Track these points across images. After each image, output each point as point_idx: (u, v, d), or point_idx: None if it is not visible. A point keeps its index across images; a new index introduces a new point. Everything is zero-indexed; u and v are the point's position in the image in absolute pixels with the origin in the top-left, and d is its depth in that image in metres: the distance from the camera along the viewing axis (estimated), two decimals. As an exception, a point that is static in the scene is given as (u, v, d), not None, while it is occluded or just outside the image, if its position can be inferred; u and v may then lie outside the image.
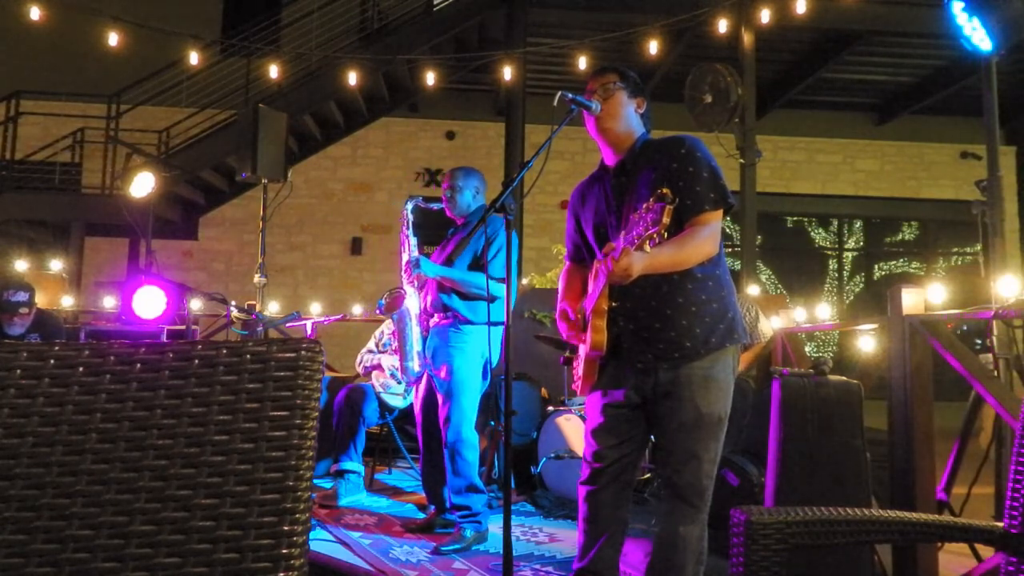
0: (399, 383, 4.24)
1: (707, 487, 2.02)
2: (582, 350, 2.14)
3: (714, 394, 2.02)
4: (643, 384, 2.05)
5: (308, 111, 7.99)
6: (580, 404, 4.07)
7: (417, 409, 3.50)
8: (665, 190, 1.69)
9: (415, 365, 3.46)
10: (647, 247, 1.74)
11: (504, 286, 3.14)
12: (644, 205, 1.75)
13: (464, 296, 3.29)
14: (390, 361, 4.28)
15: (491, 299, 3.16)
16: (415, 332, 3.49)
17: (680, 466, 2.01)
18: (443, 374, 3.27)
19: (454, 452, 3.24)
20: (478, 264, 3.25)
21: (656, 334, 2.02)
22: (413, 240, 3.47)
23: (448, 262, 3.22)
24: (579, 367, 2.16)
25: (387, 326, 4.43)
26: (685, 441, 2.00)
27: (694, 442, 2.00)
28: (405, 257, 3.43)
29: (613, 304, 2.04)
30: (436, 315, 3.37)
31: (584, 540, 2.11)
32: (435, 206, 3.54)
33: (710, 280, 2.06)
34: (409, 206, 3.56)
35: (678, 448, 2.01)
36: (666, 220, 1.69)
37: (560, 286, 2.33)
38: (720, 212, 2.03)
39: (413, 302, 3.49)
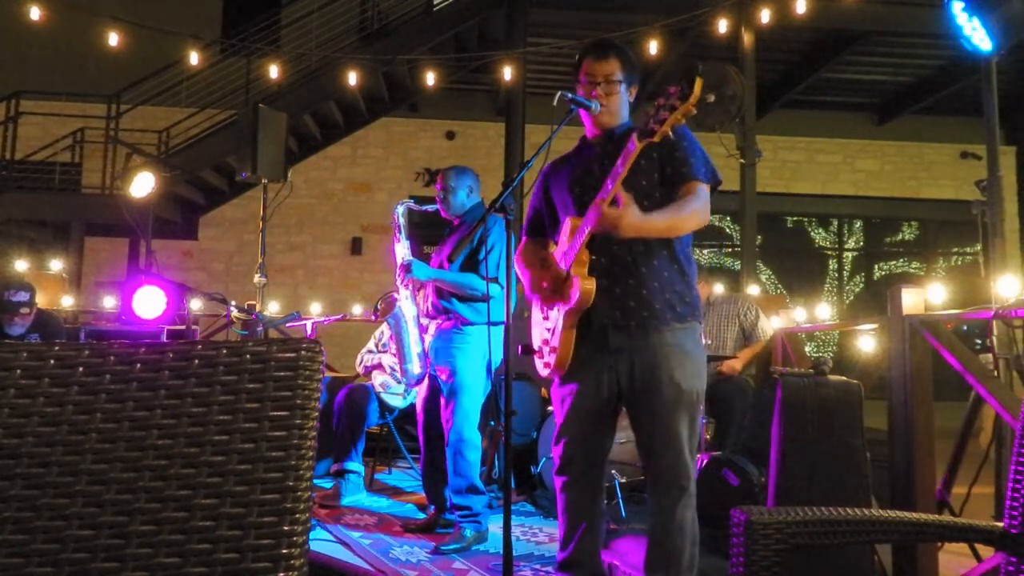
0: (399, 383, 4.24)
1: (691, 466, 2.07)
2: (554, 320, 2.13)
3: (691, 370, 2.07)
4: (618, 366, 2.06)
5: (308, 111, 7.99)
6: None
7: (419, 409, 3.50)
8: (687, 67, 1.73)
9: (415, 367, 3.46)
10: (669, 131, 1.76)
11: (498, 285, 3.17)
12: (666, 89, 1.77)
13: (463, 298, 3.29)
14: (390, 361, 4.28)
15: (485, 298, 3.17)
16: (413, 334, 3.49)
17: (664, 449, 2.04)
18: (445, 376, 3.28)
19: (456, 452, 3.24)
20: (477, 264, 3.26)
21: (627, 290, 2.04)
22: (405, 243, 3.48)
23: (448, 262, 3.22)
24: (550, 343, 2.14)
25: (387, 326, 4.44)
26: (667, 422, 2.03)
27: (675, 422, 2.03)
28: (399, 260, 3.44)
29: (592, 258, 2.06)
30: (439, 318, 3.37)
31: (564, 531, 2.15)
32: (429, 207, 3.54)
33: (682, 255, 2.13)
34: (400, 209, 3.56)
35: (659, 431, 2.04)
36: (697, 92, 1.70)
37: (520, 264, 2.34)
38: (709, 187, 2.10)
39: (407, 304, 3.49)
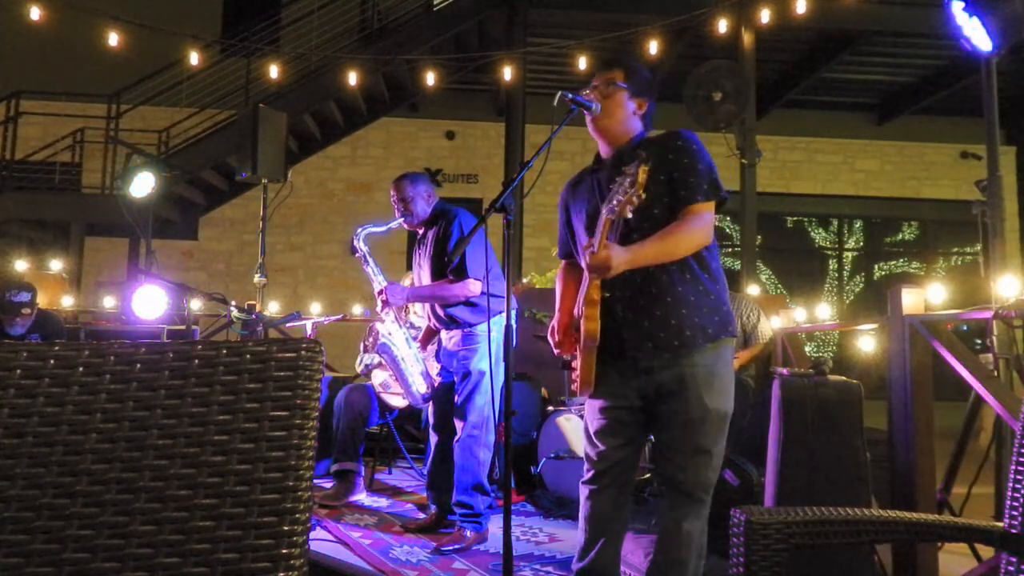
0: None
1: (713, 481, 2.06)
2: (577, 352, 2.15)
3: (718, 389, 2.04)
4: (646, 386, 2.05)
5: (308, 111, 7.98)
6: (580, 404, 4.07)
7: (433, 410, 3.51)
8: (641, 152, 1.78)
9: (421, 388, 3.47)
10: (628, 214, 1.82)
11: (480, 281, 3.18)
12: (624, 170, 1.80)
13: (455, 303, 3.30)
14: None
15: (471, 294, 3.18)
16: (408, 357, 3.51)
17: (687, 462, 2.03)
18: (459, 378, 3.31)
19: (467, 448, 3.24)
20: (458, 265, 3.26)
21: (656, 322, 2.02)
22: (375, 269, 3.50)
23: (459, 270, 3.22)
24: (576, 366, 2.16)
25: (383, 327, 4.44)
26: (694, 437, 2.02)
27: (703, 438, 2.02)
28: (375, 288, 3.45)
29: (606, 295, 2.03)
30: (448, 327, 3.38)
31: (585, 539, 2.13)
32: (392, 224, 3.54)
33: (706, 272, 2.08)
34: (360, 237, 3.55)
35: (687, 445, 2.02)
36: (642, 179, 1.75)
37: (557, 288, 2.35)
38: (712, 204, 2.06)
39: (394, 328, 3.53)
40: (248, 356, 1.00)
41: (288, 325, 4.84)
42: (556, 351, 2.20)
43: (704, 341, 2.02)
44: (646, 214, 2.01)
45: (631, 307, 2.04)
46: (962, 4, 3.20)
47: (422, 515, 3.73)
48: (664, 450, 2.10)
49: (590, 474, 2.15)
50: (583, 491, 2.16)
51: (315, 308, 6.15)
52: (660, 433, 2.11)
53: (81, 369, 0.99)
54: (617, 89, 2.14)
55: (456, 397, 3.31)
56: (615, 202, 1.81)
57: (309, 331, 5.49)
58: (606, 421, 2.11)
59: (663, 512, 2.11)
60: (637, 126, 2.19)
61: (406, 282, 4.03)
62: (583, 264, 2.05)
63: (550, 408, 4.22)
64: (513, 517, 2.68)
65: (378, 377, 4.31)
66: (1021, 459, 1.32)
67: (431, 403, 3.52)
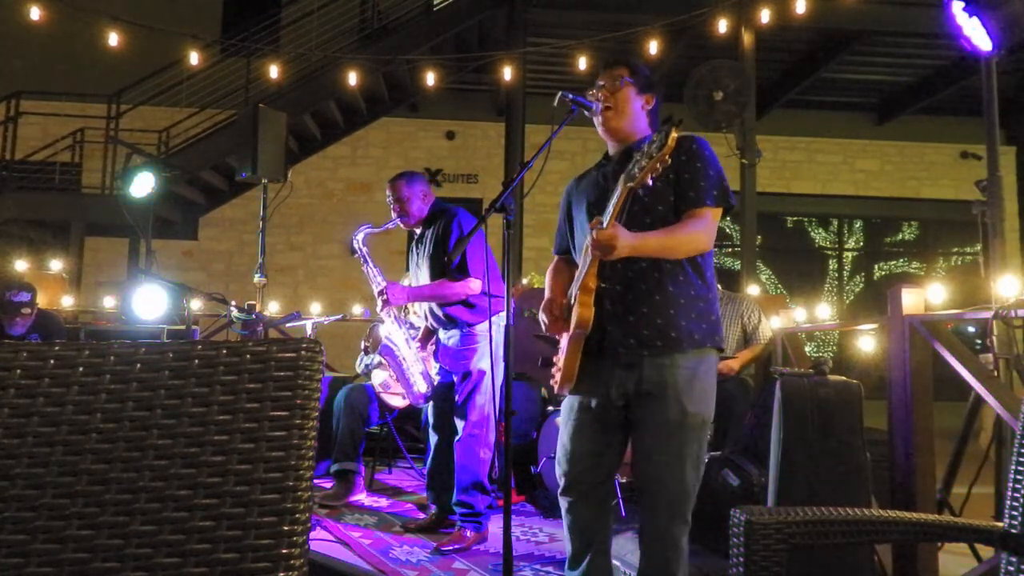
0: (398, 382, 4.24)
1: (690, 490, 1.98)
2: (564, 341, 2.10)
3: (698, 394, 1.99)
4: (626, 382, 1.99)
5: (308, 111, 7.98)
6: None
7: (432, 409, 3.50)
8: (665, 127, 1.71)
9: (421, 387, 3.48)
10: (648, 180, 1.75)
11: (481, 280, 3.18)
12: (653, 138, 1.75)
13: (455, 302, 3.30)
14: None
15: (471, 293, 3.17)
16: (409, 357, 3.51)
17: (662, 469, 1.97)
18: (459, 377, 3.30)
19: (467, 448, 3.24)
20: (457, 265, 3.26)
21: (642, 319, 1.99)
22: (375, 270, 3.50)
23: (460, 268, 3.22)
24: (559, 360, 2.10)
25: (384, 329, 4.45)
26: (669, 442, 1.96)
27: (679, 443, 1.96)
28: (375, 288, 3.45)
29: (602, 285, 2.00)
30: (446, 327, 3.37)
31: (572, 550, 2.08)
32: (389, 224, 3.55)
33: (700, 278, 2.05)
34: (359, 238, 3.55)
35: (659, 449, 1.97)
36: (671, 143, 1.69)
37: (547, 280, 2.31)
38: (719, 211, 2.04)
39: (393, 329, 3.53)
40: (248, 356, 1.00)
41: (288, 325, 4.85)
42: (547, 329, 2.15)
43: (689, 346, 1.98)
44: (649, 210, 2.00)
45: (619, 301, 2.01)
46: (962, 4, 3.20)
47: (422, 515, 3.74)
48: (641, 453, 2.04)
49: (563, 482, 2.09)
50: (562, 503, 2.10)
51: (315, 308, 6.15)
52: (639, 437, 2.04)
53: (81, 369, 0.99)
54: (626, 85, 2.13)
55: (456, 397, 3.31)
56: (636, 169, 1.77)
57: (309, 331, 5.49)
58: (583, 424, 2.07)
59: (644, 521, 2.04)
60: (645, 124, 2.18)
61: (405, 282, 4.04)
62: (584, 247, 2.00)
63: (550, 408, 4.22)
64: (513, 517, 2.68)
65: (378, 377, 4.32)
66: (1021, 459, 1.32)
67: (431, 403, 3.52)
